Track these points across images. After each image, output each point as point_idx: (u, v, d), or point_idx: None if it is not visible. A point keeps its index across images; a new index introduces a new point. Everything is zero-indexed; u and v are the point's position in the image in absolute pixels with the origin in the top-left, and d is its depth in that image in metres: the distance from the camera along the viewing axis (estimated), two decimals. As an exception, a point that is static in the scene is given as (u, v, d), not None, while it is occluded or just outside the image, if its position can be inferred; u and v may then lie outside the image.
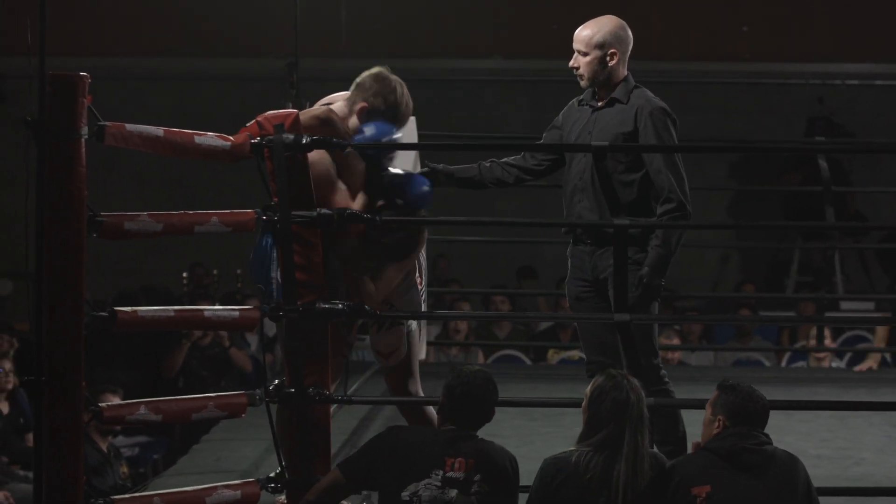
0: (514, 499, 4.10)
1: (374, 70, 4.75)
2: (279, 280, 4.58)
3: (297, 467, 4.56)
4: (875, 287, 12.00)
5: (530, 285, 11.62)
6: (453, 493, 4.00)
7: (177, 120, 5.09)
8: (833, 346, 9.50)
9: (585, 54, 4.89)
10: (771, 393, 4.23)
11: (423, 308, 4.92)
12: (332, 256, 4.65)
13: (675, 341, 9.63)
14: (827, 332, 9.31)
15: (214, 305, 8.15)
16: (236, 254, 9.86)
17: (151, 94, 12.54)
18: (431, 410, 4.75)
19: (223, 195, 9.28)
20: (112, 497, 4.25)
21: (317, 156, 4.57)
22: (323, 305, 4.53)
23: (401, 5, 12.62)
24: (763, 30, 12.88)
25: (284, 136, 4.49)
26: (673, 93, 9.34)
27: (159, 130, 4.39)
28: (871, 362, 8.87)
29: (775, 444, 4.04)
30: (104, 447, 7.54)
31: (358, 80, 4.75)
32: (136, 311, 4.35)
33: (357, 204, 4.64)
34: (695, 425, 4.40)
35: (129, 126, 4.31)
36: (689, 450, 4.31)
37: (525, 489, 4.07)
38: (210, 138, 4.51)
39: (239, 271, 10.71)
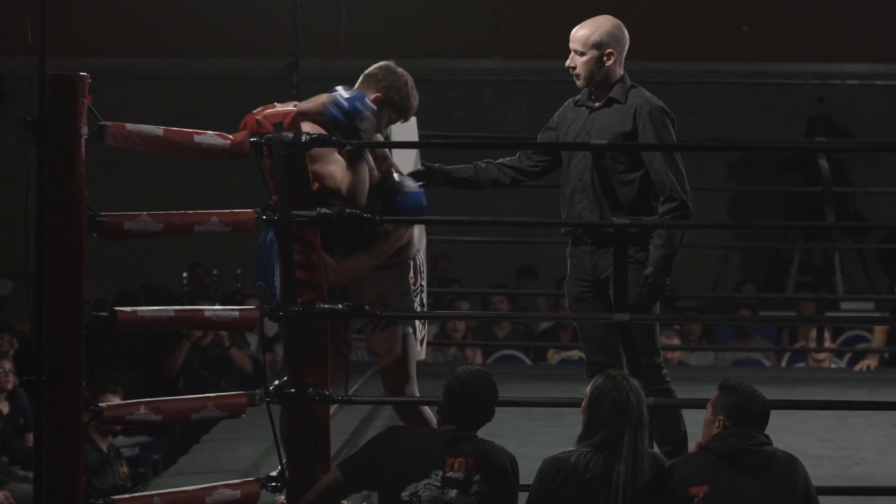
0: (514, 499, 4.10)
1: (383, 63, 4.77)
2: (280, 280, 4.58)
3: (297, 467, 4.56)
4: (875, 287, 11.98)
5: (530, 285, 11.61)
6: (453, 493, 4.00)
7: (177, 120, 5.08)
8: (833, 346, 9.49)
9: (582, 54, 4.88)
10: (771, 393, 4.22)
11: (419, 309, 4.90)
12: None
13: (676, 341, 9.63)
14: (827, 333, 9.30)
15: (214, 305, 8.15)
16: (236, 254, 9.90)
17: (151, 94, 12.53)
18: (429, 412, 4.75)
19: (223, 195, 9.28)
20: (112, 497, 4.25)
21: (309, 127, 4.58)
22: (323, 305, 4.53)
23: (401, 5, 12.61)
24: (763, 30, 12.88)
25: (283, 134, 4.49)
26: (673, 93, 9.35)
27: (159, 130, 4.39)
28: (869, 361, 8.86)
29: (775, 444, 4.04)
30: (104, 447, 7.54)
31: (367, 71, 4.77)
32: (136, 311, 4.36)
33: (347, 179, 4.62)
34: (695, 425, 4.40)
35: (129, 126, 4.32)
36: (691, 450, 4.30)
37: (525, 489, 4.07)
38: (210, 137, 4.52)
39: (239, 271, 10.71)
